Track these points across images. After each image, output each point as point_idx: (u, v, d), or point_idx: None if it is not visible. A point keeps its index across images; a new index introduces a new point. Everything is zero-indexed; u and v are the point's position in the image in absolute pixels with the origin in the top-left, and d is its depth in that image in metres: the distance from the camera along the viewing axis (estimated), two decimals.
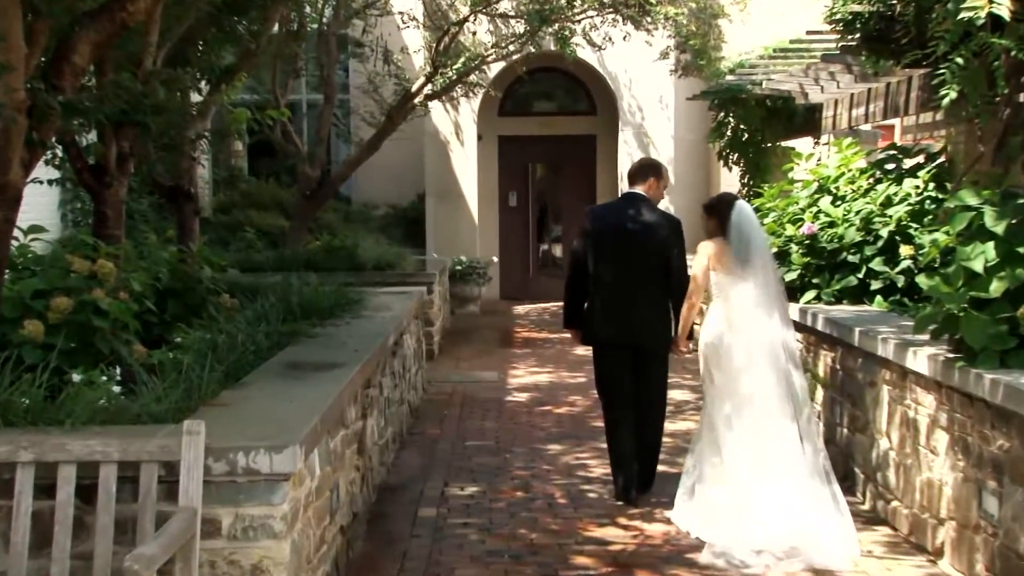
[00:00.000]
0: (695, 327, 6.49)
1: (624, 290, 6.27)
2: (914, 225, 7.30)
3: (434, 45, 13.33)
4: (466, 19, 13.15)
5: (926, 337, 5.38)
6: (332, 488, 4.67)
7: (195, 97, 8.61)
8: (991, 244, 4.90)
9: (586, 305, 6.44)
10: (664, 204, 14.79)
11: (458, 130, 16.44)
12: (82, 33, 4.67)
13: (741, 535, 5.49)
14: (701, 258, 6.10)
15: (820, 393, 7.12)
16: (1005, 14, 5.21)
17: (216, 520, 3.60)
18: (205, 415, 3.95)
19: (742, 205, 6.12)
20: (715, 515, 5.71)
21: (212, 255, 7.88)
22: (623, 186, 16.05)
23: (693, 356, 6.56)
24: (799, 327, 7.41)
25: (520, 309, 16.52)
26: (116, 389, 4.34)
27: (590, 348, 6.57)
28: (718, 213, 6.14)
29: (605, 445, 6.57)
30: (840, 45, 8.06)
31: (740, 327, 5.98)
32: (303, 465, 3.86)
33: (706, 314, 6.24)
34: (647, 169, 6.53)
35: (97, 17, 4.70)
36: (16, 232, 5.01)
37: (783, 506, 5.59)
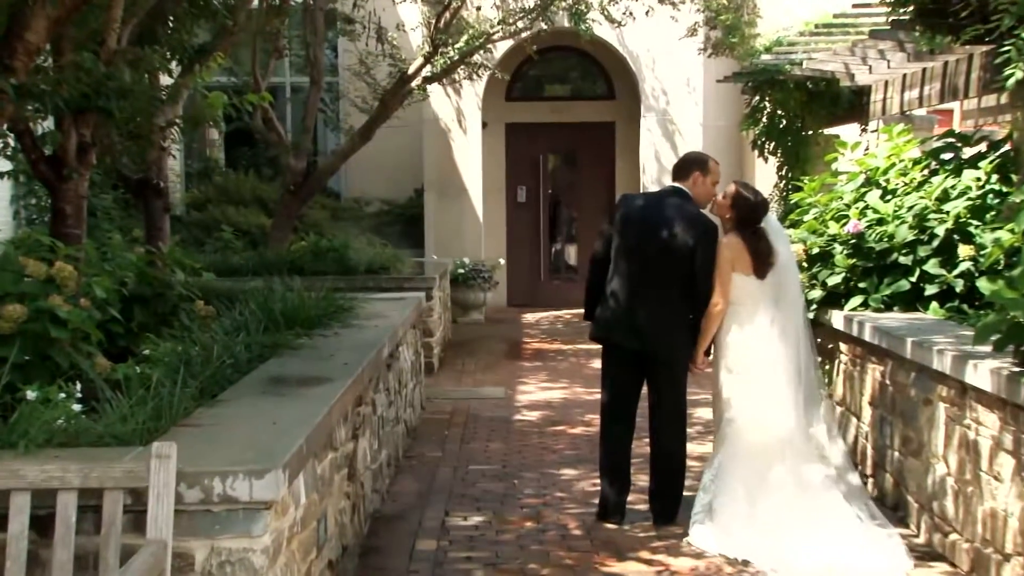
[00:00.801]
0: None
1: (638, 289, 6.34)
2: (975, 222, 7.27)
3: (433, 21, 13.34)
4: None
5: (988, 348, 5.35)
6: (319, 518, 4.65)
7: (165, 80, 8.62)
8: None
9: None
10: None
11: (461, 117, 16.45)
12: (37, 8, 4.67)
13: (778, 559, 5.64)
14: (724, 257, 6.18)
15: (868, 412, 7.09)
16: None
17: (189, 554, 3.59)
18: (177, 436, 3.93)
19: (773, 218, 6.43)
20: (737, 529, 5.87)
21: (184, 257, 7.87)
22: (644, 179, 16.15)
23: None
24: (843, 336, 7.39)
25: (530, 317, 16.49)
26: (76, 407, 4.33)
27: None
28: (741, 213, 6.25)
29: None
30: (891, 19, 8.04)
31: (751, 338, 6.19)
32: (287, 492, 3.85)
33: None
34: (689, 164, 6.58)
35: None
36: None
37: (814, 530, 5.80)
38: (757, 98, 13.22)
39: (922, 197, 7.61)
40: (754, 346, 6.17)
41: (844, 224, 7.72)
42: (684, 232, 6.27)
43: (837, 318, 7.42)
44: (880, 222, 7.62)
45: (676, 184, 6.51)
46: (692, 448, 6.90)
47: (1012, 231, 5.73)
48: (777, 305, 6.21)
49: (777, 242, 6.25)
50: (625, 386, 6.49)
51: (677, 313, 6.36)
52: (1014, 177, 7.46)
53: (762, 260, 6.17)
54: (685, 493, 6.51)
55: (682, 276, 6.28)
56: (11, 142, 6.46)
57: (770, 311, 6.20)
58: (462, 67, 14.27)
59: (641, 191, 14.80)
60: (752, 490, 5.99)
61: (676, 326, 6.36)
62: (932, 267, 7.22)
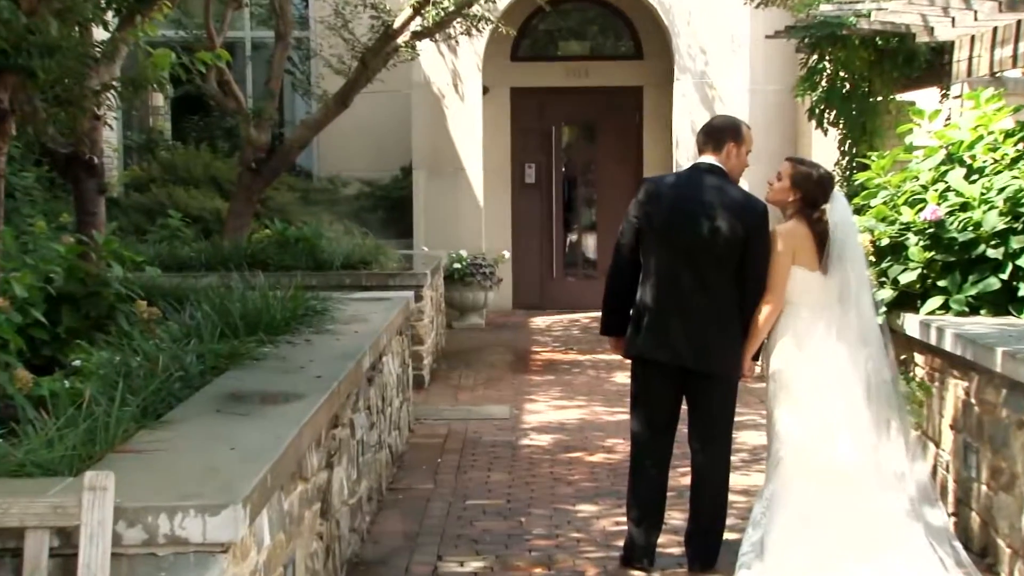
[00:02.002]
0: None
1: (676, 293, 6.30)
2: None
3: None
4: None
5: None
6: (287, 563, 4.65)
7: (99, 35, 8.61)
8: None
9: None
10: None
11: (457, 80, 16.45)
12: None
13: None
14: (783, 248, 6.15)
15: (949, 437, 7.08)
16: None
17: None
18: (114, 464, 3.93)
19: (840, 197, 6.36)
20: (793, 568, 5.85)
21: (123, 248, 7.88)
22: (678, 154, 16.15)
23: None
24: (918, 345, 7.37)
25: (540, 321, 16.49)
26: None
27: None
28: (808, 192, 6.22)
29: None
30: None
31: (810, 347, 6.20)
32: (247, 532, 3.84)
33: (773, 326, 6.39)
34: (722, 132, 6.50)
35: None
36: None
37: (886, 573, 5.81)
38: (815, 57, 13.21)
39: (1016, 177, 7.59)
40: (814, 356, 6.15)
41: (920, 210, 7.70)
42: (733, 219, 6.22)
43: (911, 323, 7.39)
44: (964, 207, 7.60)
45: (708, 159, 6.46)
46: (736, 480, 6.89)
47: None
48: (842, 305, 6.19)
49: (843, 227, 6.23)
50: (663, 411, 6.45)
51: (726, 319, 6.32)
52: None
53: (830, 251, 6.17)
54: (727, 535, 6.50)
55: (731, 272, 6.25)
56: None
57: (834, 313, 6.18)
58: (459, 20, 14.26)
59: (674, 170, 14.81)
60: (812, 523, 5.96)
61: (724, 335, 6.32)
62: None
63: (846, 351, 6.15)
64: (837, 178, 12.60)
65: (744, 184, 6.58)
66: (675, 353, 6.31)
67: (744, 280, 6.25)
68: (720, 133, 6.48)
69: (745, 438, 8.70)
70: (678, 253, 6.29)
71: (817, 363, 6.16)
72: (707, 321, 6.29)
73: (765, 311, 6.21)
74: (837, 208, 6.25)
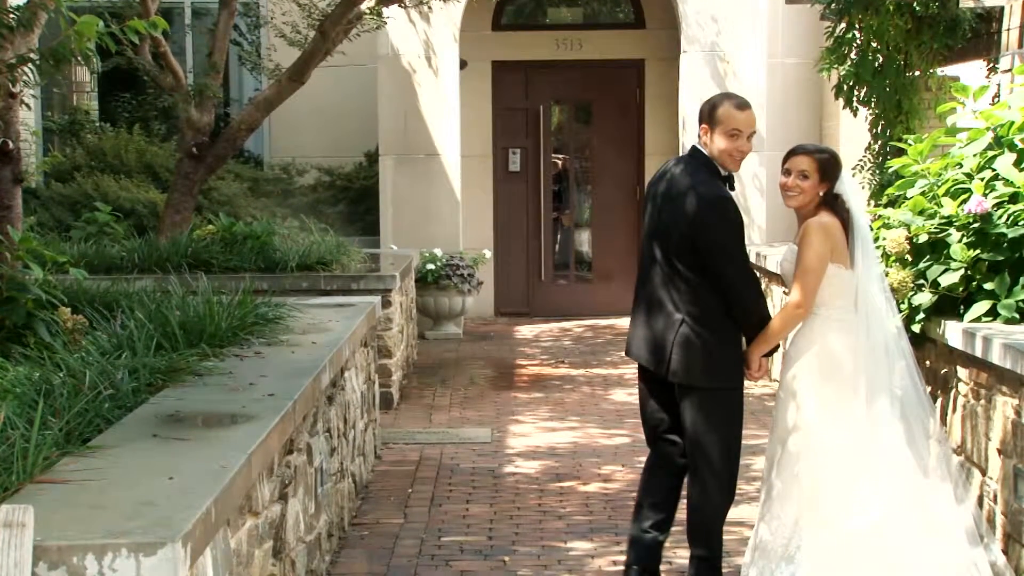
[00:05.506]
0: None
1: (647, 289, 6.51)
2: None
3: None
4: None
5: None
6: None
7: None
8: None
9: None
10: (752, 170, 14.90)
11: (430, 52, 16.44)
12: None
13: None
14: (820, 245, 6.17)
15: (996, 463, 7.10)
16: None
17: None
18: (34, 497, 3.93)
19: (848, 176, 6.44)
20: None
21: (43, 246, 7.86)
22: (685, 137, 16.17)
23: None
24: (961, 357, 7.39)
25: (526, 330, 16.47)
26: None
27: None
28: (835, 178, 6.26)
29: None
30: None
31: (839, 360, 6.21)
32: (187, 574, 3.84)
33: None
34: (700, 113, 6.63)
35: None
36: None
37: None
38: (843, 26, 13.22)
39: None
40: (845, 371, 6.16)
41: (964, 201, 7.72)
42: (680, 205, 6.34)
43: (953, 331, 7.40)
44: (1014, 198, 7.61)
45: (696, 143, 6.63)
46: (752, 514, 6.89)
47: None
48: (881, 302, 6.23)
49: (860, 211, 6.30)
50: (653, 418, 6.62)
51: (695, 320, 6.37)
52: None
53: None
54: None
55: (693, 266, 6.33)
56: None
57: (860, 314, 6.20)
58: None
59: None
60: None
61: (693, 338, 6.36)
62: None
63: (883, 365, 6.17)
64: (868, 165, 12.73)
65: (761, 177, 6.61)
66: (644, 354, 6.51)
67: (706, 274, 6.33)
68: (699, 115, 6.61)
69: (761, 464, 8.72)
70: (646, 247, 6.53)
71: (848, 380, 6.17)
72: (669, 319, 6.38)
73: (789, 314, 6.24)
74: (849, 188, 6.31)
